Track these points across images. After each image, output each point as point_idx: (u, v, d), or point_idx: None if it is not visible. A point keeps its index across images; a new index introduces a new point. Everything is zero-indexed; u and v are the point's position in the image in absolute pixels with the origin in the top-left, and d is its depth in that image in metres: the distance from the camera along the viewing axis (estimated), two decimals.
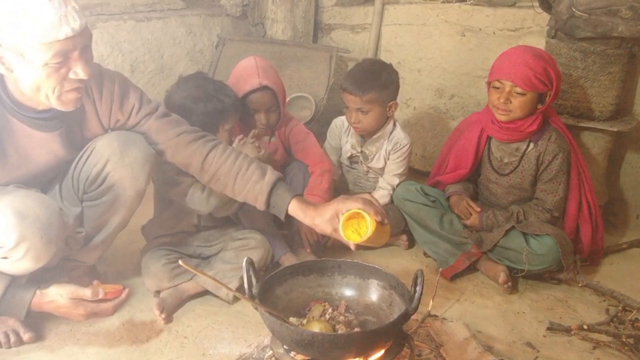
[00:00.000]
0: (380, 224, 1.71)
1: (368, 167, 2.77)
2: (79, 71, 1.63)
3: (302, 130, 2.63)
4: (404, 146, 2.70)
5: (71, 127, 1.88)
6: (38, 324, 1.99)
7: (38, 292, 1.76)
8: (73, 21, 1.57)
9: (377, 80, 2.57)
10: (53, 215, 1.72)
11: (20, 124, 1.76)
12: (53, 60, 1.58)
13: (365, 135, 2.73)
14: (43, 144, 1.82)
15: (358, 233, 1.70)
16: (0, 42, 1.56)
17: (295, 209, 1.80)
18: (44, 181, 1.93)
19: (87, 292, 1.76)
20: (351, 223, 1.71)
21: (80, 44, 1.61)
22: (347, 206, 1.71)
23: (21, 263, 1.69)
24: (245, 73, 2.44)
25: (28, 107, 1.74)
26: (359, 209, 1.69)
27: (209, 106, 2.20)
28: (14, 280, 1.75)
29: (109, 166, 1.87)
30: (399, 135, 2.71)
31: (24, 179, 1.83)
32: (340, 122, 2.82)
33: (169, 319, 2.08)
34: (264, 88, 2.41)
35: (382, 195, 2.69)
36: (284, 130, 2.61)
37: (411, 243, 2.70)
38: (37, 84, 1.62)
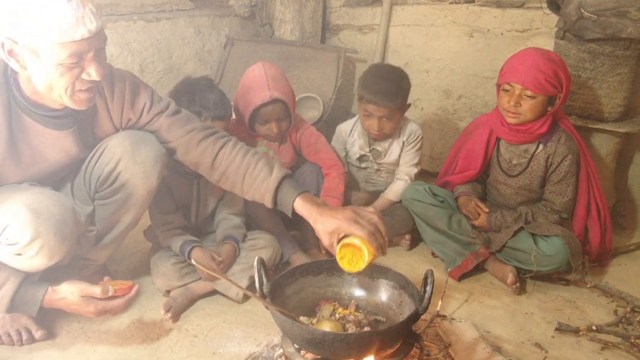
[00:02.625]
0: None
1: (379, 164, 2.79)
2: (92, 72, 1.65)
3: (314, 133, 2.64)
4: (418, 136, 2.75)
5: (83, 126, 1.89)
6: (50, 321, 2.01)
7: (50, 289, 1.77)
8: (90, 23, 1.59)
9: (401, 88, 2.63)
10: (67, 213, 1.73)
11: (33, 123, 1.77)
12: (67, 60, 1.59)
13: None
14: (56, 142, 1.83)
15: (350, 261, 1.62)
16: (16, 40, 1.57)
17: (300, 207, 1.77)
18: (56, 180, 1.95)
19: (96, 290, 1.77)
20: (348, 250, 1.62)
21: (95, 45, 1.63)
22: (351, 230, 1.61)
23: (35, 260, 1.70)
24: (255, 84, 2.43)
25: (41, 105, 1.76)
26: (362, 240, 1.59)
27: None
28: (26, 277, 1.77)
29: (120, 165, 1.89)
30: (413, 126, 2.76)
31: (37, 177, 1.85)
32: (344, 128, 2.85)
33: (175, 319, 2.09)
34: (274, 101, 2.41)
35: (400, 187, 2.73)
36: (295, 134, 2.62)
37: (413, 243, 2.71)
38: (50, 82, 1.64)
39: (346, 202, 2.61)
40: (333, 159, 2.60)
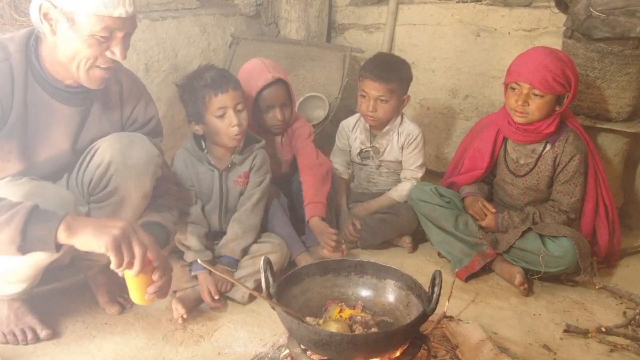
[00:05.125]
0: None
1: (380, 161, 2.78)
2: (116, 51, 1.70)
3: (306, 132, 2.64)
4: (417, 136, 2.72)
5: (92, 111, 1.89)
6: (55, 321, 2.01)
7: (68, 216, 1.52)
8: (129, 6, 1.67)
9: (400, 71, 2.63)
10: (68, 207, 1.70)
11: (45, 95, 1.77)
12: (100, 33, 1.64)
13: (375, 129, 2.75)
14: (61, 120, 1.82)
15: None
16: (55, 4, 1.61)
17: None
18: (52, 173, 1.91)
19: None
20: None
21: (126, 27, 1.69)
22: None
23: (38, 254, 1.67)
24: (255, 71, 2.44)
25: (56, 79, 1.78)
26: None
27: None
28: (36, 207, 1.51)
29: (111, 169, 1.84)
30: (409, 126, 2.73)
31: (37, 158, 1.82)
32: (346, 123, 2.85)
33: (182, 319, 2.08)
34: (277, 81, 2.42)
35: (405, 188, 2.70)
36: (291, 130, 2.62)
37: (415, 246, 2.69)
38: (75, 51, 1.67)
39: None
40: (309, 162, 2.54)
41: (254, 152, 2.35)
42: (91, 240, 1.49)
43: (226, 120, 2.19)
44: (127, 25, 1.69)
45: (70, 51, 1.68)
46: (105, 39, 1.67)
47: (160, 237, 1.88)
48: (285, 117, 2.48)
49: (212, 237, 2.35)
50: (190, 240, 2.20)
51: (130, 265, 1.53)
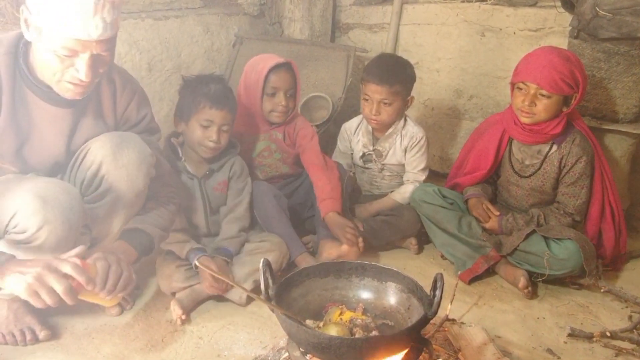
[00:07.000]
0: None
1: (382, 164, 2.76)
2: (80, 70, 1.63)
3: (310, 132, 2.62)
4: (420, 139, 2.70)
5: (84, 111, 1.86)
6: (54, 322, 2.00)
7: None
8: (94, 29, 1.58)
9: (402, 73, 2.61)
10: (74, 201, 1.71)
11: (34, 97, 1.75)
12: (60, 51, 1.60)
13: (378, 132, 2.73)
14: (53, 120, 1.80)
15: None
16: (30, 11, 1.59)
17: None
18: (49, 172, 1.90)
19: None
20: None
21: (92, 49, 1.61)
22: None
23: (41, 249, 1.66)
24: (265, 57, 2.49)
25: (44, 81, 1.74)
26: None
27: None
28: None
29: (103, 169, 1.82)
30: (413, 129, 2.71)
31: (34, 159, 1.81)
32: (348, 126, 2.83)
33: (186, 319, 2.06)
34: (286, 65, 2.45)
35: (408, 190, 2.67)
36: (293, 127, 2.60)
37: (420, 247, 2.67)
38: (43, 62, 1.65)
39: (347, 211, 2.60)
40: (318, 161, 2.54)
41: (232, 159, 2.36)
42: (13, 287, 1.49)
43: (207, 132, 2.23)
44: (92, 47, 1.61)
45: (41, 60, 1.65)
46: (67, 57, 1.61)
47: (139, 244, 1.87)
48: (288, 105, 2.48)
49: (199, 240, 2.33)
50: (181, 236, 2.21)
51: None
